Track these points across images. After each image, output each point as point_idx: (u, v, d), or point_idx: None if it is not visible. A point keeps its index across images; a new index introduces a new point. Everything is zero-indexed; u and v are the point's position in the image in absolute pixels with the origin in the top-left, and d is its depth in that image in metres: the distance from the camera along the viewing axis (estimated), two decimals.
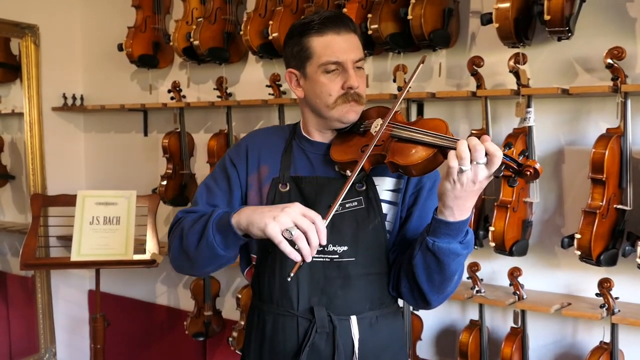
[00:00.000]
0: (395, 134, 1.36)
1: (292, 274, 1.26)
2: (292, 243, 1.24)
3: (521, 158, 1.22)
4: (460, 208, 1.26)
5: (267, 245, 1.42)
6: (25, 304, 3.70)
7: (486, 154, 1.19)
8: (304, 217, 1.24)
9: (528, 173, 1.21)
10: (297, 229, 1.23)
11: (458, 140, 1.23)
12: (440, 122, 1.36)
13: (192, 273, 1.62)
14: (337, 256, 1.42)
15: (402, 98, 1.44)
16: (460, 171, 1.20)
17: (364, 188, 1.43)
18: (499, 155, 1.19)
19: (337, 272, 1.42)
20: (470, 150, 1.19)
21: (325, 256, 1.42)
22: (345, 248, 1.42)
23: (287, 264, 1.42)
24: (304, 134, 1.53)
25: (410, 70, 2.48)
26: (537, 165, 1.20)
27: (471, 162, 1.19)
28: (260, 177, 1.50)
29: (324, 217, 1.27)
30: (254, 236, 1.29)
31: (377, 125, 1.42)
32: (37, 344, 3.61)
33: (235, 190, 1.51)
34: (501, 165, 1.21)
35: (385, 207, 1.45)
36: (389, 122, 1.38)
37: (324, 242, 1.25)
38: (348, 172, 1.40)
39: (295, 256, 1.24)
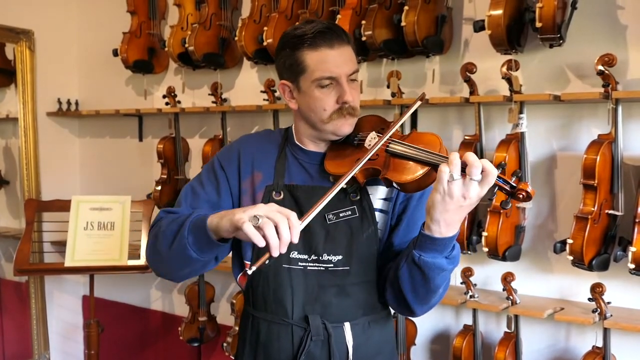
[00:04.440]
0: (390, 150, 1.36)
1: (254, 267, 1.18)
2: (260, 230, 1.17)
3: (514, 179, 1.23)
4: (447, 223, 1.24)
5: (259, 252, 1.38)
6: (19, 310, 3.69)
7: (482, 172, 1.19)
8: (279, 212, 1.19)
9: (520, 196, 1.21)
10: (266, 218, 1.18)
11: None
12: (434, 137, 1.36)
13: (167, 275, 1.48)
14: (331, 265, 1.41)
15: (400, 122, 1.42)
16: (452, 178, 1.19)
17: (358, 198, 1.43)
18: (493, 174, 1.18)
19: (332, 280, 1.42)
20: (467, 164, 1.18)
21: (320, 265, 1.41)
22: (340, 257, 1.42)
23: (281, 272, 1.42)
24: (298, 142, 1.51)
25: (404, 78, 2.51)
26: (530, 189, 1.21)
27: (465, 177, 1.19)
28: (254, 183, 1.48)
29: (301, 219, 1.22)
30: (225, 231, 1.24)
31: (371, 139, 1.41)
32: (30, 350, 3.59)
33: (224, 197, 1.48)
34: (494, 187, 1.21)
35: (377, 216, 1.45)
36: (383, 136, 1.37)
37: (296, 240, 1.18)
38: (344, 185, 1.41)
39: (258, 240, 1.17)
